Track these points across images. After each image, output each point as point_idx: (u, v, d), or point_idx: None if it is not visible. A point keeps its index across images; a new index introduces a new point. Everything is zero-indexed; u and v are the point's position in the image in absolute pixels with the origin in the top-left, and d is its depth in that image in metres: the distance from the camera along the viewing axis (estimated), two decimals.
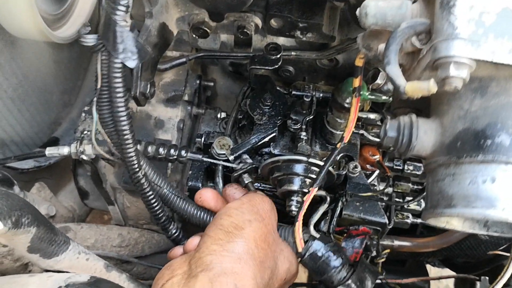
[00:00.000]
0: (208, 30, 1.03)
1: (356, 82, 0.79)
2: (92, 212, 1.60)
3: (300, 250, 0.86)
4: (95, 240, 1.16)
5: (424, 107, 0.71)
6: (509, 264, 0.83)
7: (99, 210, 1.41)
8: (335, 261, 0.85)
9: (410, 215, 1.22)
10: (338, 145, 0.85)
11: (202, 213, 0.94)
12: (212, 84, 1.25)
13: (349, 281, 0.83)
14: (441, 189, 0.61)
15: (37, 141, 1.48)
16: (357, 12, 0.67)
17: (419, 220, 1.24)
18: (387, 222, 1.00)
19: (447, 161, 0.60)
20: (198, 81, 1.19)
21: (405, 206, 1.17)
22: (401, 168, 1.16)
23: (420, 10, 0.63)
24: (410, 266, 1.42)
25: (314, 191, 0.86)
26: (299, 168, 0.95)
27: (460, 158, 0.59)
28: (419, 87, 0.56)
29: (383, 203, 1.09)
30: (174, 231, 1.00)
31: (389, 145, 0.66)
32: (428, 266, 1.54)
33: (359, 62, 0.77)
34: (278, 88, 1.12)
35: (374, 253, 1.00)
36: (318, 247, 0.85)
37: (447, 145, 0.61)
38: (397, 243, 1.16)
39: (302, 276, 1.43)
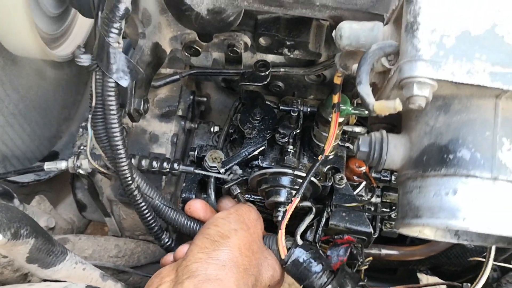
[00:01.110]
0: (200, 49, 1.07)
1: (335, 98, 0.83)
2: (92, 224, 1.64)
3: (283, 257, 0.90)
4: (92, 251, 1.20)
5: (398, 122, 0.75)
6: (484, 269, 0.87)
7: (98, 222, 1.45)
8: (316, 267, 0.88)
9: None
10: (319, 157, 0.89)
11: (192, 223, 0.99)
12: (205, 99, 1.30)
13: (329, 286, 0.87)
14: (409, 200, 0.65)
15: (37, 155, 1.52)
16: (333, 34, 0.72)
17: None
18: (372, 231, 1.04)
19: (414, 175, 0.65)
20: (191, 97, 1.24)
21: (392, 216, 1.20)
22: (388, 179, 1.19)
23: (390, 32, 0.68)
24: (401, 274, 1.46)
25: (296, 201, 0.90)
26: (285, 180, 0.99)
27: (425, 171, 0.63)
28: (386, 106, 0.60)
29: (370, 214, 1.12)
30: (166, 240, 1.04)
31: (362, 159, 0.70)
32: (424, 276, 1.57)
33: (337, 80, 0.81)
34: (268, 103, 1.17)
35: (360, 262, 1.04)
36: (299, 254, 0.89)
37: (415, 159, 0.65)
38: (384, 251, 1.20)
39: None
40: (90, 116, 0.90)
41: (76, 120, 1.71)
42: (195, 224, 0.99)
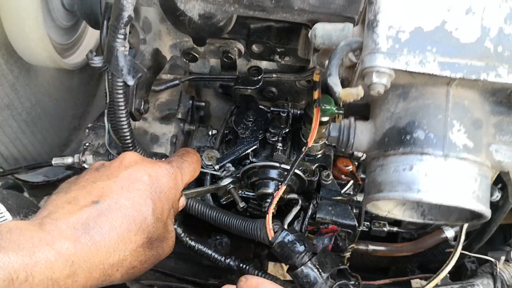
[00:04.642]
0: (197, 55, 1.17)
1: (315, 94, 0.92)
2: None
3: (270, 239, 0.97)
4: None
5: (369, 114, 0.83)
6: (454, 253, 0.93)
7: None
8: (299, 248, 0.95)
9: (387, 224, 1.32)
10: (303, 149, 0.97)
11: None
12: (203, 104, 1.38)
13: (309, 263, 0.94)
14: (373, 178, 0.73)
15: (47, 160, 1.61)
16: (309, 34, 0.80)
17: (395, 228, 1.34)
18: (357, 224, 1.11)
19: (377, 155, 0.72)
20: (190, 101, 1.33)
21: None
22: None
23: (358, 32, 0.76)
24: (392, 275, 1.51)
25: (283, 188, 0.97)
26: (273, 173, 1.08)
27: (386, 151, 0.71)
28: (350, 92, 0.68)
29: (355, 205, 1.19)
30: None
31: (333, 143, 0.78)
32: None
33: (316, 78, 0.90)
34: (261, 106, 1.25)
35: (346, 254, 1.11)
36: (285, 235, 0.96)
37: (378, 141, 0.73)
38: (371, 247, 1.26)
39: None
40: (106, 111, 0.99)
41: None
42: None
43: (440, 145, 0.67)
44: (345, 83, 0.78)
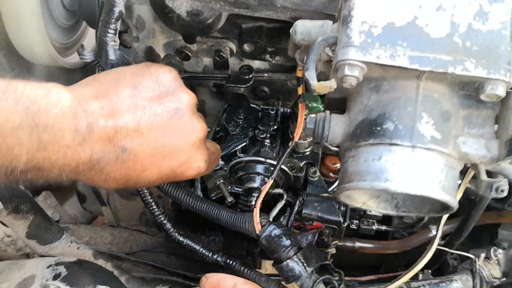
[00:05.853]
0: (189, 53, 1.20)
1: (300, 90, 0.94)
2: (93, 223, 1.75)
3: (257, 232, 1.00)
4: (89, 238, 1.31)
5: None
6: (429, 249, 0.95)
7: (96, 214, 1.56)
8: (285, 242, 0.98)
9: (375, 222, 1.34)
10: (289, 144, 1.00)
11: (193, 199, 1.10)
12: (198, 103, 1.41)
13: (294, 256, 0.96)
14: (345, 168, 0.75)
15: None
16: (290, 30, 0.83)
17: (384, 227, 1.36)
18: (342, 220, 1.13)
19: (350, 146, 0.75)
20: None
21: (367, 212, 1.29)
22: None
23: (337, 28, 0.79)
24: (383, 272, 1.52)
25: (270, 183, 0.99)
26: (259, 168, 1.10)
27: (358, 142, 0.73)
28: (324, 85, 0.71)
29: (344, 206, 1.21)
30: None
31: (309, 135, 0.80)
32: None
33: (299, 73, 0.92)
34: (252, 105, 1.28)
35: (330, 250, 1.13)
36: (272, 229, 0.99)
37: (351, 133, 0.75)
38: (358, 244, 1.28)
39: None
40: None
41: None
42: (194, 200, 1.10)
43: (408, 136, 0.69)
44: (323, 78, 0.80)
